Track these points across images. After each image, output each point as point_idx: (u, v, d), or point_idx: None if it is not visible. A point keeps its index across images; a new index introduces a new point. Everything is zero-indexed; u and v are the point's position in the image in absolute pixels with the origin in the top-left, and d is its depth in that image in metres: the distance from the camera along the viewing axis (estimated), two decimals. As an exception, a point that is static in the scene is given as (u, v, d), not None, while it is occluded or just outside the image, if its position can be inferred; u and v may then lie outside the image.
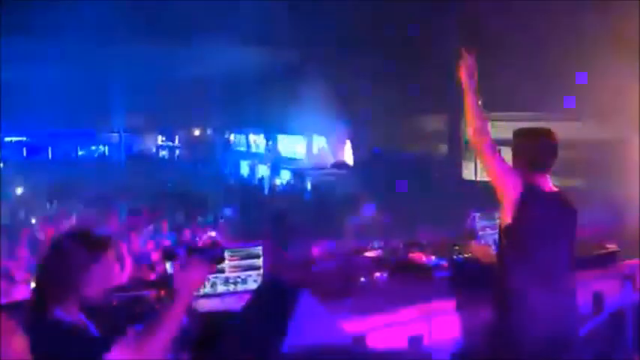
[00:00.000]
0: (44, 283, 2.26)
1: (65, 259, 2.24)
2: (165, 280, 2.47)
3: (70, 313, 2.23)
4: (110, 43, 20.01)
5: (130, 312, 2.85)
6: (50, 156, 35.49)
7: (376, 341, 3.06)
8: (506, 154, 3.26)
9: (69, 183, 21.10)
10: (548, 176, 3.23)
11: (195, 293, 2.48)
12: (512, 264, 3.12)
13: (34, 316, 2.21)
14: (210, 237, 9.63)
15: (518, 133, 3.27)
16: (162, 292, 3.09)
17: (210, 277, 3.18)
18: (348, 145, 23.89)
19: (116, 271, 2.36)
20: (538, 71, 13.39)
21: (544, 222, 3.11)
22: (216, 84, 26.27)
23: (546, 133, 3.24)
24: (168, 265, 2.41)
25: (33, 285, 2.32)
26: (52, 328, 2.16)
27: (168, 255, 2.48)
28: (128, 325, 2.44)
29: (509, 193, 3.08)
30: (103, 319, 2.36)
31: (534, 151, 3.18)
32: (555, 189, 3.25)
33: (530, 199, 3.09)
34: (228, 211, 14.42)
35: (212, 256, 2.44)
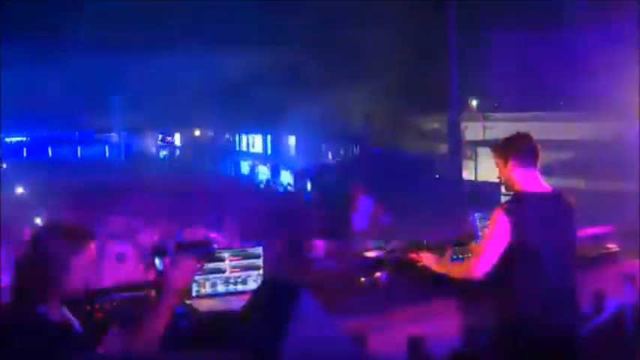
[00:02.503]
0: (24, 278, 2.19)
1: (45, 253, 2.18)
2: (155, 281, 2.45)
3: (52, 310, 2.18)
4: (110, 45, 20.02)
5: (129, 312, 2.85)
6: (50, 156, 35.50)
7: (376, 341, 3.06)
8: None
9: (69, 182, 21.09)
10: (539, 176, 3.24)
11: (184, 289, 2.46)
12: (513, 264, 3.13)
13: (15, 313, 2.16)
14: (210, 237, 9.61)
15: (502, 142, 3.33)
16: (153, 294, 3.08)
17: (211, 277, 3.18)
18: (348, 144, 23.88)
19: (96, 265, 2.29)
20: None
21: (539, 224, 3.13)
22: (216, 84, 26.24)
23: (524, 135, 3.29)
24: (157, 261, 2.40)
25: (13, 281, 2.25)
26: (35, 325, 2.11)
27: (158, 251, 2.46)
28: (124, 324, 2.43)
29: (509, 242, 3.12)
30: (89, 322, 2.33)
31: (519, 152, 3.21)
32: (549, 188, 3.26)
33: (523, 213, 3.12)
34: (230, 212, 14.38)
35: (201, 253, 2.43)
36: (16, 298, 2.19)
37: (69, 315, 2.26)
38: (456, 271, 3.33)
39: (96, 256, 2.31)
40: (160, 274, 2.38)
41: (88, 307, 2.72)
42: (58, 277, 2.18)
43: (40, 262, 2.18)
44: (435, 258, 3.52)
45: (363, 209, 9.58)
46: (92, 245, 2.28)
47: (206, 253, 2.48)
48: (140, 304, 3.00)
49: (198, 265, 2.42)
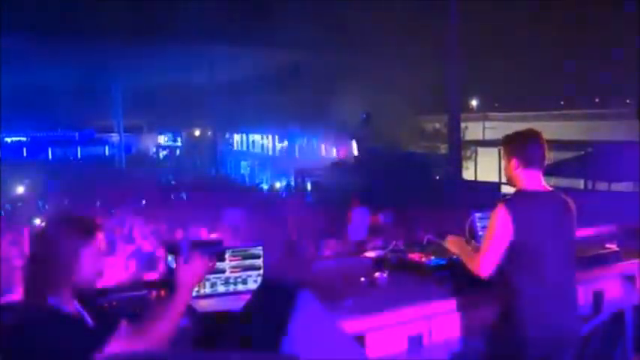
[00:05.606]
0: (35, 271, 2.21)
1: (53, 245, 2.20)
2: (166, 279, 2.48)
3: (64, 301, 2.20)
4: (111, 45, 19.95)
5: (130, 312, 2.85)
6: (50, 156, 35.51)
7: (376, 341, 3.06)
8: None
9: (70, 183, 21.10)
10: (541, 177, 3.24)
11: (196, 288, 2.49)
12: (513, 263, 3.13)
13: (28, 306, 2.18)
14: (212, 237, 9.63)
15: (509, 137, 3.29)
16: (162, 292, 3.09)
17: (211, 277, 3.18)
18: (349, 144, 23.87)
19: (105, 256, 2.32)
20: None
21: (540, 222, 3.13)
22: (217, 84, 26.22)
23: (535, 135, 3.25)
24: (170, 258, 2.42)
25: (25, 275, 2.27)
26: (48, 316, 2.13)
27: (172, 249, 2.49)
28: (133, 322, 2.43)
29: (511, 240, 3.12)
30: (99, 314, 2.35)
31: (526, 152, 3.19)
32: (549, 189, 3.26)
33: (524, 210, 3.12)
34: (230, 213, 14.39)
35: (214, 251, 2.46)
36: (29, 292, 2.21)
37: (80, 308, 2.28)
38: (469, 261, 3.28)
39: (104, 247, 2.34)
40: (173, 272, 2.40)
41: (97, 304, 2.73)
42: (68, 268, 2.20)
43: (50, 254, 2.20)
44: (459, 241, 3.50)
45: (360, 221, 9.57)
46: (100, 235, 2.30)
47: (218, 252, 2.52)
48: (145, 303, 3.00)
49: (211, 264, 2.45)
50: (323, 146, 26.26)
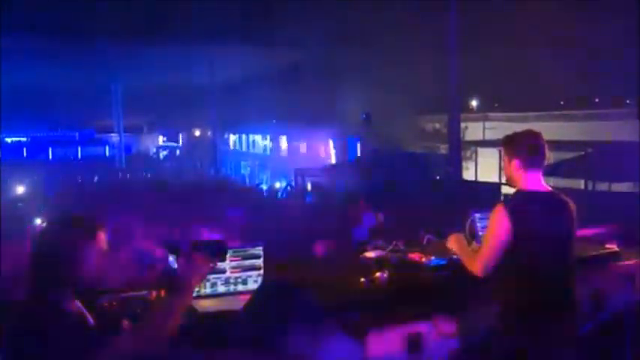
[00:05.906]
0: (36, 271, 2.23)
1: (55, 245, 2.22)
2: (166, 279, 2.48)
3: (65, 301, 2.21)
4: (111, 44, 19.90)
5: (130, 312, 2.85)
6: (50, 156, 35.49)
7: (376, 341, 3.06)
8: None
9: (69, 182, 21.09)
10: (542, 177, 3.24)
11: (196, 288, 2.49)
12: (512, 263, 3.14)
13: (31, 305, 2.19)
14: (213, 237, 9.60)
15: (509, 138, 3.30)
16: (162, 292, 3.09)
17: (211, 277, 3.18)
18: (349, 145, 23.84)
19: (108, 255, 2.34)
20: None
21: (539, 223, 3.13)
22: (217, 84, 26.18)
23: (535, 135, 3.26)
24: (171, 259, 2.43)
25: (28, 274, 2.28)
26: (50, 316, 2.14)
27: (173, 249, 2.50)
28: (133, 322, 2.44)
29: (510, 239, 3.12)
30: (100, 314, 2.35)
31: (526, 152, 3.20)
32: (549, 189, 3.26)
33: (523, 211, 3.12)
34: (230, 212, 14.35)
35: (215, 251, 2.46)
36: (30, 291, 2.22)
37: (82, 308, 2.29)
38: (467, 261, 3.29)
39: (106, 246, 2.34)
40: (174, 272, 2.40)
41: (98, 304, 2.74)
42: (70, 268, 2.21)
43: (51, 254, 2.21)
44: (460, 239, 3.51)
45: (366, 224, 9.61)
46: (102, 235, 2.32)
47: (220, 252, 2.52)
48: (145, 303, 3.01)
49: (212, 264, 2.45)
50: (323, 147, 26.26)
